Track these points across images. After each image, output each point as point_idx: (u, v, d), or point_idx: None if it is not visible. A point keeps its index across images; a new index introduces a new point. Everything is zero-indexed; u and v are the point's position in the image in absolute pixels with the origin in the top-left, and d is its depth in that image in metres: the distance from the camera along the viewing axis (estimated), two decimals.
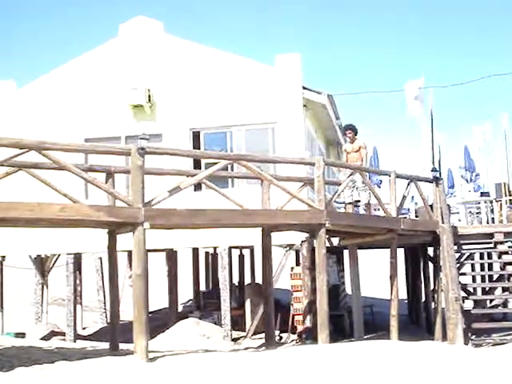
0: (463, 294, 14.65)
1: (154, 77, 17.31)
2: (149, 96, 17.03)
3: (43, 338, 16.53)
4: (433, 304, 16.38)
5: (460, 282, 14.50)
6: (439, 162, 18.82)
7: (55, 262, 19.02)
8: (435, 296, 15.56)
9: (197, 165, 16.24)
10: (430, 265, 17.40)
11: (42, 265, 18.78)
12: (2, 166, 9.79)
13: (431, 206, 15.36)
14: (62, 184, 10.89)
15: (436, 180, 15.23)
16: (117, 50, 17.71)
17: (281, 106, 16.62)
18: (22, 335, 16.63)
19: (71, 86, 17.74)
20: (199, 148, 16.89)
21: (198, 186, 15.33)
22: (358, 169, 13.54)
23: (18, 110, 17.80)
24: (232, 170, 15.48)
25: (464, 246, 15.74)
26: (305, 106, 16.79)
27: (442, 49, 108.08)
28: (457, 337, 13.70)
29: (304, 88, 16.65)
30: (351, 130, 14.31)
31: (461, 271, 15.13)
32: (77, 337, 17.27)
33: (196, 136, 17.16)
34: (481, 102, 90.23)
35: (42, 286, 18.88)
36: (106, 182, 11.11)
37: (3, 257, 17.42)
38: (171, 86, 17.31)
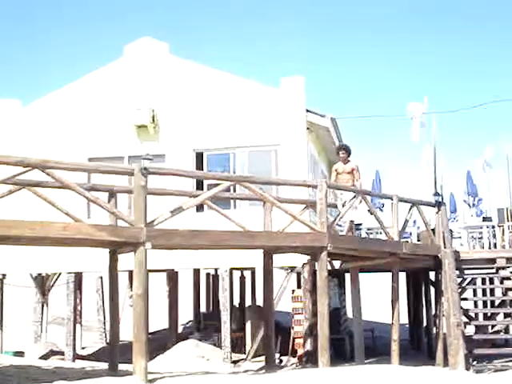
0: (465, 319, 14.56)
1: (159, 97, 17.40)
2: (153, 116, 17.12)
3: (42, 357, 16.47)
4: (434, 329, 16.28)
5: (462, 307, 14.42)
6: (441, 186, 18.78)
7: (56, 280, 18.98)
8: (437, 321, 15.47)
9: (199, 185, 16.28)
10: (432, 289, 17.33)
11: (43, 283, 18.74)
12: (6, 183, 9.81)
13: (433, 230, 15.33)
14: (65, 203, 10.89)
15: (438, 204, 15.22)
16: (122, 70, 17.83)
17: (284, 128, 16.68)
18: (20, 354, 16.59)
19: (76, 106, 17.84)
20: (202, 169, 16.94)
21: (200, 207, 15.33)
22: (361, 192, 13.54)
23: (22, 128, 17.89)
24: (234, 191, 15.48)
25: (466, 271, 15.68)
26: (308, 128, 16.85)
27: (446, 71, 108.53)
28: (458, 362, 13.60)
29: (308, 111, 16.73)
30: (345, 150, 14.01)
31: (463, 296, 15.05)
32: (76, 356, 17.18)
33: (199, 157, 17.22)
34: (484, 126, 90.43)
35: (42, 305, 18.82)
36: (109, 202, 11.13)
37: (4, 275, 17.39)
38: (175, 107, 17.40)
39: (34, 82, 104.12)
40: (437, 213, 15.18)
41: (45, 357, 16.81)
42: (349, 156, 13.98)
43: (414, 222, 18.33)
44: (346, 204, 13.00)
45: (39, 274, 18.33)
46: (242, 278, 25.74)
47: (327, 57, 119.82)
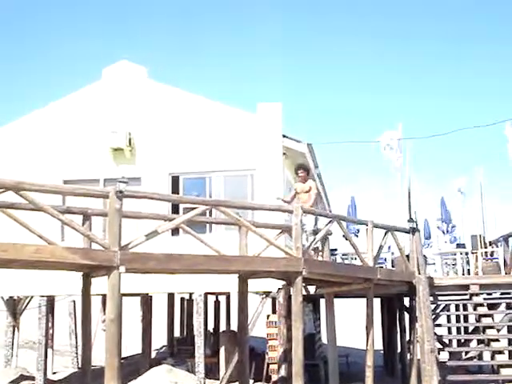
0: (439, 345, 14.62)
1: (135, 121, 17.40)
2: (129, 139, 17.10)
3: (12, 382, 16.18)
4: (408, 355, 16.30)
5: (435, 334, 14.49)
6: (415, 212, 18.94)
7: (28, 303, 18.71)
8: (411, 347, 15.49)
9: (175, 209, 16.23)
10: (406, 315, 17.38)
11: (14, 306, 18.45)
12: None
13: (408, 256, 15.42)
14: (38, 225, 10.77)
15: (413, 230, 15.32)
16: (99, 93, 17.82)
17: (260, 153, 16.74)
18: None
19: (52, 128, 17.77)
20: (178, 193, 16.91)
21: (175, 231, 15.27)
22: (336, 217, 13.59)
23: None
24: (210, 215, 15.46)
25: (440, 297, 15.77)
26: (284, 153, 16.93)
27: (421, 97, 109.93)
28: None
29: (284, 136, 16.82)
30: (304, 169, 14.10)
31: (436, 322, 15.13)
32: (47, 381, 16.92)
33: (175, 181, 17.19)
34: (458, 153, 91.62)
35: (13, 329, 18.53)
36: (83, 225, 11.02)
37: None
38: (152, 131, 17.40)
39: (8, 104, 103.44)
40: (413, 237, 15.27)
41: (15, 382, 16.52)
42: (308, 175, 14.12)
43: (389, 247, 18.46)
44: (307, 231, 13.19)
45: (11, 297, 18.06)
46: (217, 303, 25.61)
47: (304, 82, 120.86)
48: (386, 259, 18.17)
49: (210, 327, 23.87)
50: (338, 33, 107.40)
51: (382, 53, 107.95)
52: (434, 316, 14.86)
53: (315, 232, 13.32)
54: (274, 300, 17.87)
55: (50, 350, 18.85)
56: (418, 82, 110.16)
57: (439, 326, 15.54)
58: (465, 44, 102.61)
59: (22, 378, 17.40)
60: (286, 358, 14.40)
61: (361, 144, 20.26)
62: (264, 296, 16.22)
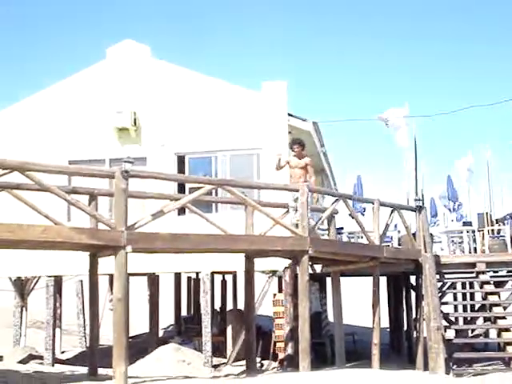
0: (445, 323, 14.63)
1: (140, 100, 17.35)
2: (134, 119, 17.05)
3: (21, 362, 16.29)
4: (415, 333, 16.35)
5: (442, 312, 14.50)
6: (422, 190, 18.92)
7: (35, 284, 18.80)
8: (417, 325, 15.54)
9: (181, 189, 16.23)
10: (413, 293, 17.40)
11: (22, 287, 18.56)
12: None
13: (414, 234, 15.40)
14: (45, 206, 10.81)
15: (419, 209, 15.28)
16: (103, 73, 17.75)
17: (266, 132, 16.68)
18: None
19: (57, 108, 17.73)
20: (184, 172, 16.89)
21: (181, 211, 15.27)
22: (342, 196, 13.57)
23: (1, 130, 17.72)
24: (216, 194, 15.46)
25: (446, 275, 15.76)
26: (290, 132, 16.86)
27: (427, 76, 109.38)
28: (438, 366, 13.67)
29: (289, 115, 16.75)
30: (299, 144, 13.85)
31: (443, 300, 15.13)
32: (55, 361, 17.03)
33: (181, 160, 17.17)
34: (464, 131, 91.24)
35: (21, 309, 18.64)
36: (89, 205, 11.05)
37: None
38: (157, 110, 17.35)
39: (12, 85, 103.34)
40: (419, 215, 15.23)
41: (24, 361, 16.63)
42: (303, 150, 13.88)
43: (395, 226, 18.42)
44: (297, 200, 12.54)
45: (18, 278, 18.15)
46: (224, 282, 25.69)
47: (310, 60, 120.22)
48: (392, 238, 18.13)
49: (217, 306, 23.96)
50: (347, 10, 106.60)
51: (390, 31, 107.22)
52: (440, 294, 14.87)
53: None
54: (280, 279, 17.89)
55: (58, 330, 18.99)
56: (426, 62, 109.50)
57: (445, 303, 15.54)
58: (474, 27, 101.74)
59: (31, 357, 17.52)
60: (293, 336, 14.45)
61: (366, 122, 20.17)
62: (270, 275, 16.25)
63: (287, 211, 13.41)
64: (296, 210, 12.52)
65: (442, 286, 15.53)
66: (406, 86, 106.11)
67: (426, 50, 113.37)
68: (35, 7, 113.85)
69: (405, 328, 19.58)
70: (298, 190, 12.00)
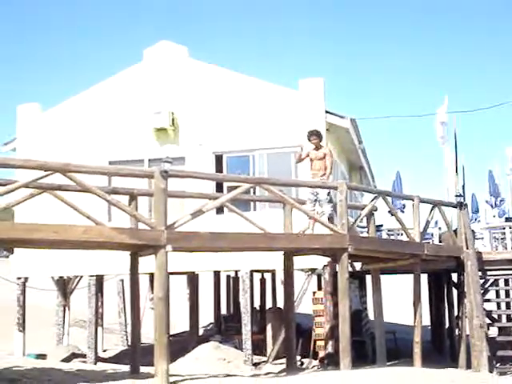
0: (488, 320, 14.43)
1: (178, 100, 17.45)
2: (172, 119, 17.17)
3: (64, 360, 16.55)
4: (457, 331, 16.12)
5: (484, 309, 14.30)
6: (463, 186, 18.67)
7: (77, 283, 19.11)
8: (459, 323, 15.33)
9: (219, 188, 16.28)
10: (454, 291, 17.18)
11: (65, 286, 18.88)
12: (28, 187, 9.88)
13: (455, 231, 15.21)
14: (86, 206, 10.95)
15: (460, 205, 15.08)
16: (141, 74, 17.91)
17: (303, 130, 16.59)
18: (43, 356, 16.68)
19: (96, 110, 17.95)
20: (222, 171, 16.94)
21: (220, 209, 15.31)
22: (381, 193, 13.46)
23: (42, 132, 18.04)
24: (254, 193, 15.47)
25: (489, 272, 15.52)
26: (327, 130, 16.78)
27: (467, 70, 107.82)
28: (481, 364, 13.48)
29: (327, 112, 16.67)
30: (316, 136, 13.06)
31: (485, 297, 14.92)
32: (97, 359, 17.26)
33: (219, 159, 17.23)
34: (506, 126, 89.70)
35: (64, 308, 18.96)
36: (129, 205, 11.15)
37: (26, 278, 17.54)
38: (195, 110, 17.43)
39: (53, 86, 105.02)
40: (461, 211, 15.02)
41: (67, 359, 16.90)
42: (320, 141, 13.16)
43: (436, 222, 18.20)
44: (321, 200, 12.36)
45: (61, 277, 18.46)
46: (263, 280, 25.71)
47: (347, 57, 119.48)
48: (433, 234, 17.92)
49: (257, 304, 24.00)
50: (384, 4, 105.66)
51: (428, 25, 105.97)
52: (482, 291, 14.65)
53: (330, 200, 12.64)
54: (319, 277, 17.85)
55: (99, 329, 19.25)
56: (465, 55, 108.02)
57: (488, 301, 15.32)
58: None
59: (74, 355, 17.80)
60: (333, 334, 14.40)
61: (406, 119, 19.94)
62: (309, 273, 16.21)
63: (314, 204, 13.31)
64: (314, 202, 12.37)
65: (485, 283, 15.30)
66: (446, 81, 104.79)
67: (466, 44, 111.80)
68: (74, 11, 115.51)
69: (447, 326, 19.34)
70: (336, 188, 11.94)
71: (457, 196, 15.57)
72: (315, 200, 12.36)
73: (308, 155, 13.09)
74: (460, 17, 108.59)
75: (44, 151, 16.73)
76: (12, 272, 17.68)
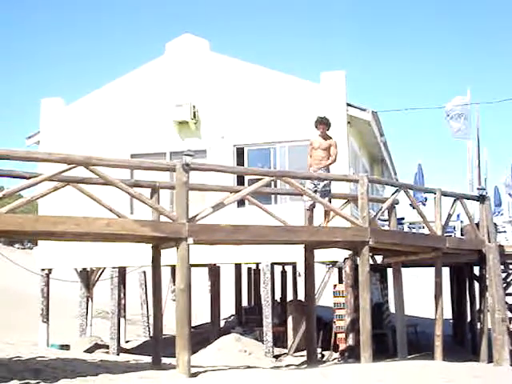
0: (510, 314, 14.34)
1: (199, 94, 17.50)
2: (194, 113, 17.22)
3: (87, 351, 16.74)
4: (478, 324, 16.06)
5: (507, 303, 14.21)
6: (485, 179, 18.53)
7: (100, 275, 19.28)
8: (481, 316, 15.25)
9: (240, 181, 16.32)
10: (476, 284, 17.09)
11: (88, 278, 19.07)
12: (51, 180, 10.00)
13: (477, 224, 15.11)
14: (108, 199, 11.06)
15: (482, 198, 14.98)
16: (163, 67, 17.98)
17: None
18: (66, 347, 16.89)
19: (118, 103, 18.06)
20: (243, 164, 16.98)
21: (241, 202, 15.37)
22: (402, 186, 13.42)
23: (65, 126, 18.19)
24: (275, 186, 15.49)
25: (511, 266, 15.42)
26: (349, 122, 16.74)
27: (489, 62, 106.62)
28: (503, 358, 13.41)
29: (348, 105, 16.62)
30: (325, 124, 12.25)
31: (507, 291, 14.83)
32: (120, 350, 17.44)
33: (240, 152, 17.26)
34: None
35: (87, 299, 19.16)
36: (151, 198, 11.24)
37: (50, 270, 17.73)
38: (216, 103, 17.47)
39: (76, 81, 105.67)
40: (483, 204, 14.93)
41: (90, 350, 17.09)
42: (328, 130, 12.38)
43: (458, 216, 18.09)
44: (320, 191, 11.86)
45: (84, 269, 18.66)
46: (284, 273, 25.76)
47: (369, 49, 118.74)
48: (454, 228, 17.82)
49: (277, 297, 24.05)
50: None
51: (450, 16, 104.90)
52: (505, 285, 14.58)
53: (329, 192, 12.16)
54: (340, 270, 17.84)
55: (122, 320, 19.44)
56: (488, 46, 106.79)
57: (510, 295, 15.22)
58: None
59: (97, 346, 17.99)
60: (354, 327, 14.42)
61: (427, 110, 19.85)
62: (330, 266, 16.22)
63: (347, 201, 13.34)
64: (314, 193, 11.80)
65: (507, 277, 15.21)
66: (468, 73, 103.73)
67: (488, 37, 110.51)
68: (99, 5, 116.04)
69: (468, 319, 19.26)
70: (357, 181, 11.92)
71: (479, 189, 15.45)
72: (315, 191, 11.91)
73: (311, 143, 12.38)
74: (483, 8, 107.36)
75: (67, 145, 16.88)
76: (36, 264, 17.89)
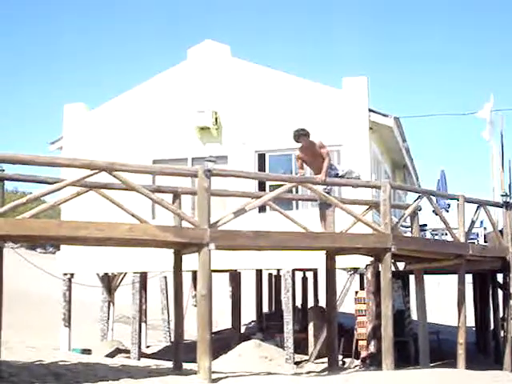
0: None
1: (221, 99, 17.54)
2: (215, 118, 17.26)
3: (108, 355, 16.78)
4: (502, 332, 15.88)
5: None
6: (510, 185, 18.34)
7: (122, 280, 19.36)
8: (504, 324, 15.09)
9: (261, 187, 16.31)
10: (500, 292, 16.91)
11: (109, 283, 19.15)
12: (74, 185, 10.06)
13: (501, 231, 14.96)
14: (130, 204, 11.10)
15: (506, 204, 14.84)
16: (185, 73, 18.05)
17: (347, 128, 16.55)
18: (88, 351, 16.94)
19: (140, 109, 18.15)
20: (264, 170, 16.98)
21: (262, 208, 15.36)
22: (425, 192, 13.33)
23: (88, 131, 18.31)
24: (297, 192, 15.45)
25: None
26: (371, 128, 16.68)
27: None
28: None
29: (370, 111, 16.56)
30: (303, 135, 11.81)
31: None
32: (141, 355, 17.48)
33: (261, 158, 17.27)
34: None
35: (109, 304, 19.24)
36: (173, 203, 11.27)
37: (72, 274, 17.84)
38: (237, 109, 17.50)
39: (99, 86, 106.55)
40: (507, 211, 14.78)
41: (111, 355, 17.13)
42: (309, 137, 11.84)
43: (481, 222, 17.92)
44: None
45: (106, 274, 18.74)
46: (305, 279, 25.68)
47: (391, 55, 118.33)
48: (478, 234, 17.65)
49: (298, 303, 23.98)
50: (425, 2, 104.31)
51: (472, 22, 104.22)
52: None
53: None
54: (362, 276, 17.76)
55: (143, 325, 19.49)
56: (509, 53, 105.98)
57: None
58: None
59: (118, 350, 18.05)
60: (375, 334, 14.32)
61: (451, 117, 19.72)
62: (352, 272, 16.13)
63: (369, 208, 13.26)
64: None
65: None
66: (491, 78, 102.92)
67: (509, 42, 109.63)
68: (120, 12, 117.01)
69: (491, 327, 19.04)
70: (380, 187, 11.86)
71: (503, 195, 15.31)
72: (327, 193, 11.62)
73: (300, 158, 11.92)
74: (504, 14, 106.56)
75: (90, 150, 16.98)
76: (58, 268, 18.01)
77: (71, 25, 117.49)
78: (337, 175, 12.09)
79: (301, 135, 11.87)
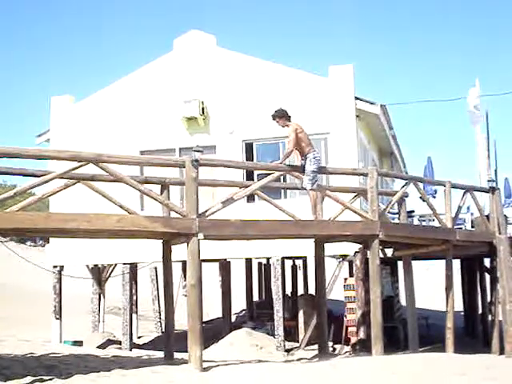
0: None
1: (208, 89, 17.53)
2: (202, 108, 17.25)
3: (100, 347, 16.84)
4: (490, 316, 16.06)
5: None
6: (495, 171, 18.49)
7: (111, 271, 19.38)
8: (492, 308, 15.26)
9: (249, 176, 16.35)
10: (487, 276, 17.07)
11: (99, 274, 19.17)
12: (62, 178, 10.06)
13: (487, 216, 15.09)
14: (119, 196, 11.11)
15: (492, 190, 14.95)
16: (171, 64, 18.01)
17: (334, 116, 16.59)
18: (79, 343, 17.00)
19: (127, 100, 18.11)
20: (252, 159, 17.00)
21: (250, 197, 15.38)
22: (412, 178, 13.40)
23: (75, 123, 18.26)
24: (285, 180, 15.51)
25: None
26: (358, 116, 16.73)
27: (496, 53, 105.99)
28: None
29: (357, 98, 16.60)
30: (278, 116, 11.55)
31: None
32: (132, 345, 17.52)
33: (249, 147, 17.29)
34: None
35: (99, 296, 19.26)
36: (161, 194, 11.29)
37: (61, 266, 17.84)
38: (224, 99, 17.49)
39: (85, 78, 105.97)
40: (493, 196, 14.90)
41: (102, 346, 17.19)
42: (288, 120, 11.57)
43: (468, 208, 18.06)
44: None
45: (95, 266, 18.75)
46: (294, 267, 25.79)
47: (377, 43, 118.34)
48: (465, 220, 17.78)
49: (288, 291, 24.09)
50: None
51: (456, 11, 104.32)
52: None
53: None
54: (350, 263, 17.86)
55: (134, 316, 19.52)
56: (494, 39, 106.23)
57: None
58: None
59: (109, 342, 18.09)
60: (365, 320, 14.43)
61: (437, 103, 19.81)
62: (341, 259, 16.23)
63: (357, 195, 13.30)
64: (310, 175, 11.30)
65: None
66: (475, 64, 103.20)
67: (495, 28, 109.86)
68: (105, 4, 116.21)
69: (479, 311, 19.24)
70: (367, 175, 11.93)
71: (489, 181, 15.43)
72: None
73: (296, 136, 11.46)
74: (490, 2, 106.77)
75: (77, 142, 16.94)
76: (48, 261, 18.02)
77: (58, 18, 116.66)
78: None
79: (275, 117, 11.61)
